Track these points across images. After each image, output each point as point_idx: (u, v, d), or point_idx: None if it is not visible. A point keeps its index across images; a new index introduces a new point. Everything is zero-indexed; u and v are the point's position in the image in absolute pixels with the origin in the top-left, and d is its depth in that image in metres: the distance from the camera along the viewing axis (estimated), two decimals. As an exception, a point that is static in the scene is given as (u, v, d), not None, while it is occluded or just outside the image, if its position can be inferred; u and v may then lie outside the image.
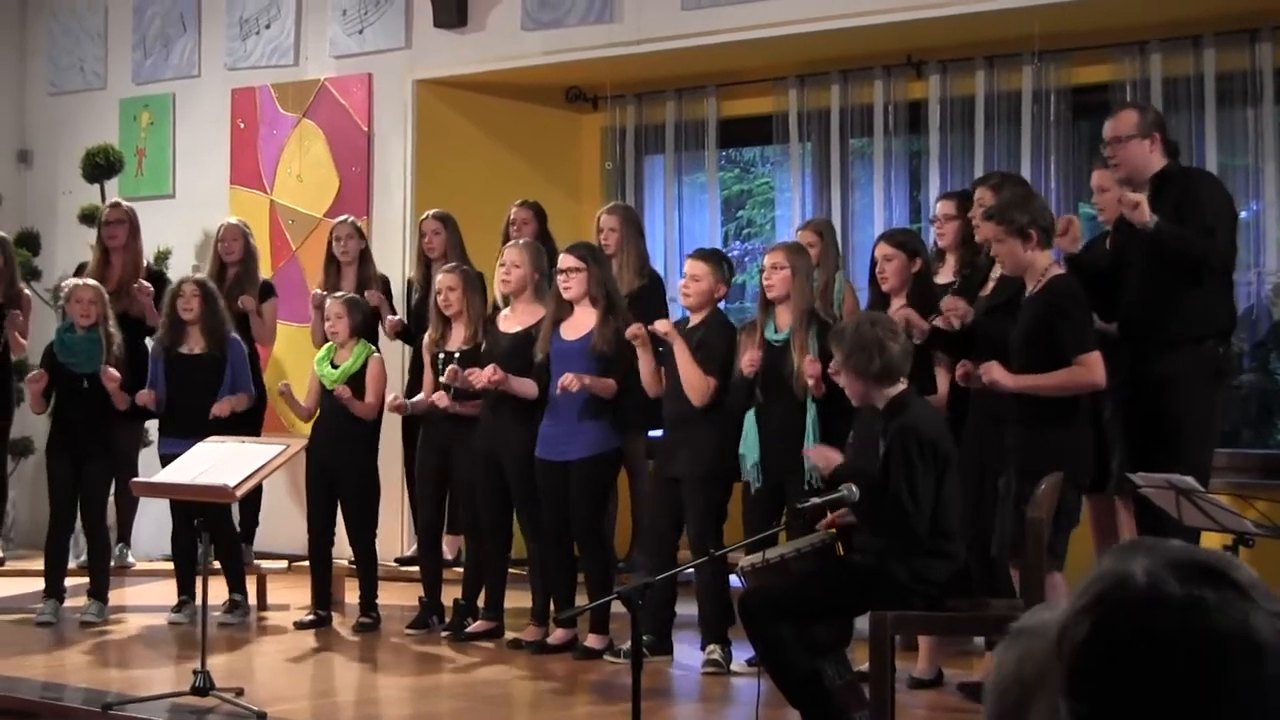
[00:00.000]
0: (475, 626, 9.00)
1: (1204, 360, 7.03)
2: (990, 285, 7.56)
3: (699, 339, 8.17)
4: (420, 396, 9.19)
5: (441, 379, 8.90)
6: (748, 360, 7.98)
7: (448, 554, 9.90)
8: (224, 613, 9.44)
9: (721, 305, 8.54)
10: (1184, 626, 1.73)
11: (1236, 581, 1.77)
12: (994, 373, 6.79)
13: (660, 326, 8.16)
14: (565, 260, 8.55)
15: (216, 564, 9.36)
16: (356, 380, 9.34)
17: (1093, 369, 6.68)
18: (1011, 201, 7.05)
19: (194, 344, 9.56)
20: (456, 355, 8.98)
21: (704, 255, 8.47)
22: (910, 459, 6.18)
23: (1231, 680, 1.73)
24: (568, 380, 8.25)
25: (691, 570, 7.91)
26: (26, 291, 10.74)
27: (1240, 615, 1.74)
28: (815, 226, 8.94)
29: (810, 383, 7.75)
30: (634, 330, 8.21)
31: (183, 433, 8.86)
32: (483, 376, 8.54)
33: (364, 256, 10.40)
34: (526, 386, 8.61)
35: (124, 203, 10.86)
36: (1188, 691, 1.73)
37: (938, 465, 6.24)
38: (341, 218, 10.63)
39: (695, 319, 8.30)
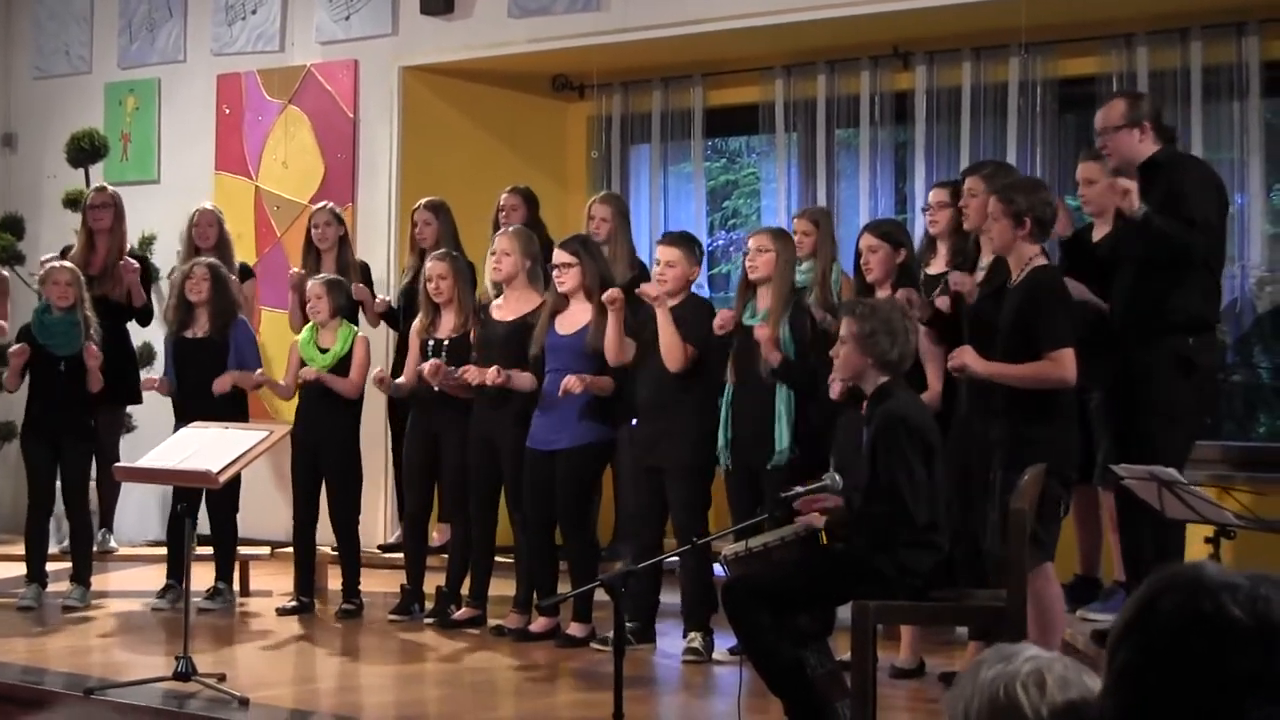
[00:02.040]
0: (460, 614, 9.00)
1: (1173, 352, 7.04)
2: (980, 273, 7.56)
3: (675, 317, 8.17)
4: (402, 380, 9.18)
5: (424, 372, 8.87)
6: (718, 320, 8.00)
7: (437, 541, 9.90)
8: (205, 599, 9.43)
9: (703, 290, 8.54)
10: (1247, 609, 1.79)
11: None
12: (965, 357, 6.76)
13: (650, 290, 8.15)
14: (559, 255, 8.53)
15: (199, 550, 9.36)
16: (344, 363, 9.33)
17: (1063, 365, 6.64)
18: (1019, 184, 7.05)
19: (199, 328, 9.54)
20: (446, 343, 8.98)
21: (674, 240, 8.48)
22: (899, 445, 6.17)
23: (1277, 670, 1.77)
24: (570, 383, 8.24)
25: (676, 558, 7.92)
26: (4, 273, 10.70)
27: None
28: (811, 215, 8.93)
29: (764, 348, 7.78)
30: (611, 294, 8.20)
31: (193, 417, 8.85)
32: (486, 376, 8.52)
33: (342, 242, 10.37)
34: (525, 381, 8.60)
35: (110, 187, 10.83)
36: (1233, 668, 1.77)
37: (925, 453, 6.24)
38: (320, 204, 10.61)
39: (672, 303, 8.30)
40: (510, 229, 9.11)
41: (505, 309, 8.88)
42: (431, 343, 9.06)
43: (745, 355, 7.99)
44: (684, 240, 8.49)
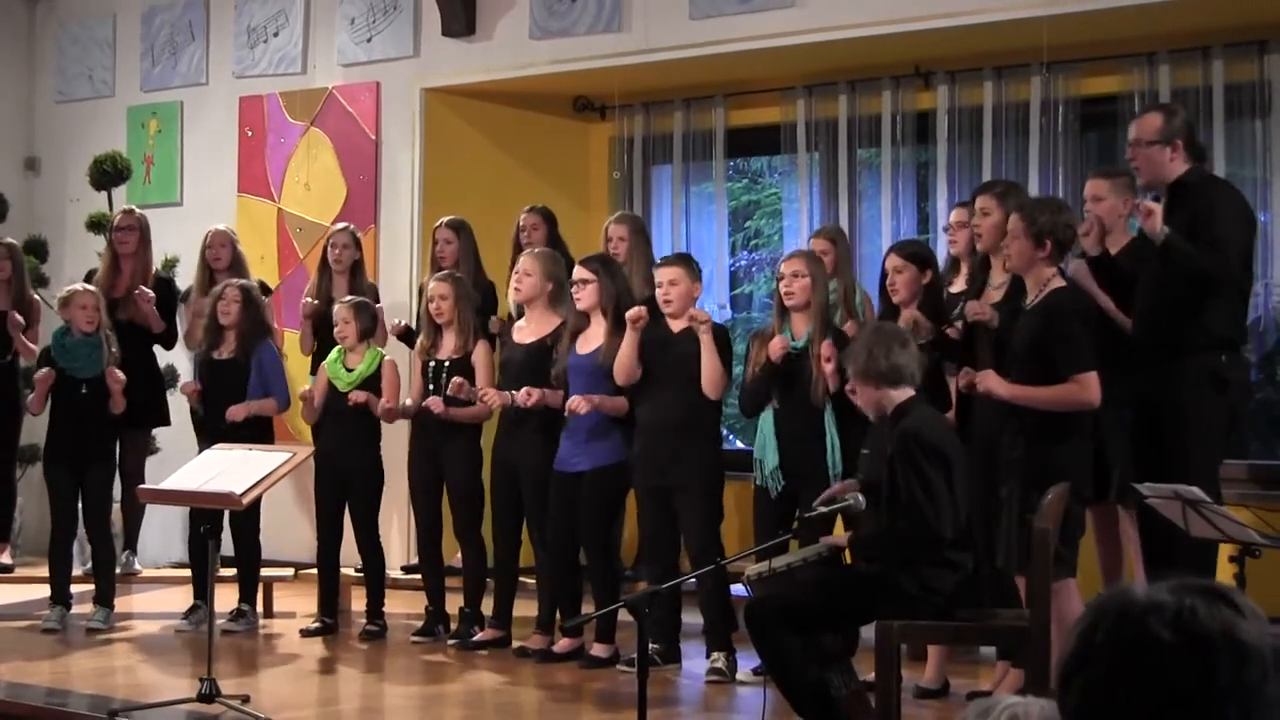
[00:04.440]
0: (482, 635, 8.99)
1: (1205, 371, 7.03)
2: (992, 291, 7.55)
3: (694, 349, 8.16)
4: (409, 401, 9.19)
5: (448, 392, 8.87)
6: (778, 344, 7.96)
7: (460, 562, 9.89)
8: (229, 620, 9.44)
9: (725, 311, 8.54)
10: (1175, 626, 1.79)
11: (1231, 599, 1.83)
12: (989, 381, 6.78)
13: (699, 315, 8.12)
14: (578, 272, 8.55)
15: (222, 571, 9.38)
16: (371, 384, 9.33)
17: (1088, 388, 6.66)
18: (1042, 204, 7.06)
19: (226, 349, 9.57)
20: (447, 364, 8.98)
21: (673, 260, 8.50)
22: (916, 462, 6.18)
23: (1218, 681, 1.76)
24: (575, 403, 8.26)
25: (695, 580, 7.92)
26: (36, 298, 10.74)
27: (1228, 620, 1.78)
28: (828, 234, 8.92)
29: (828, 369, 7.75)
30: (635, 312, 8.19)
31: (216, 437, 8.87)
32: (514, 399, 8.54)
33: (356, 267, 10.35)
34: (557, 399, 8.60)
35: (137, 210, 10.86)
36: (1173, 688, 1.77)
37: (944, 468, 6.24)
38: (341, 225, 10.61)
39: (678, 325, 8.29)
40: (536, 250, 9.13)
41: (525, 331, 8.89)
42: (433, 364, 9.07)
43: (788, 378, 7.96)
44: (683, 260, 8.52)
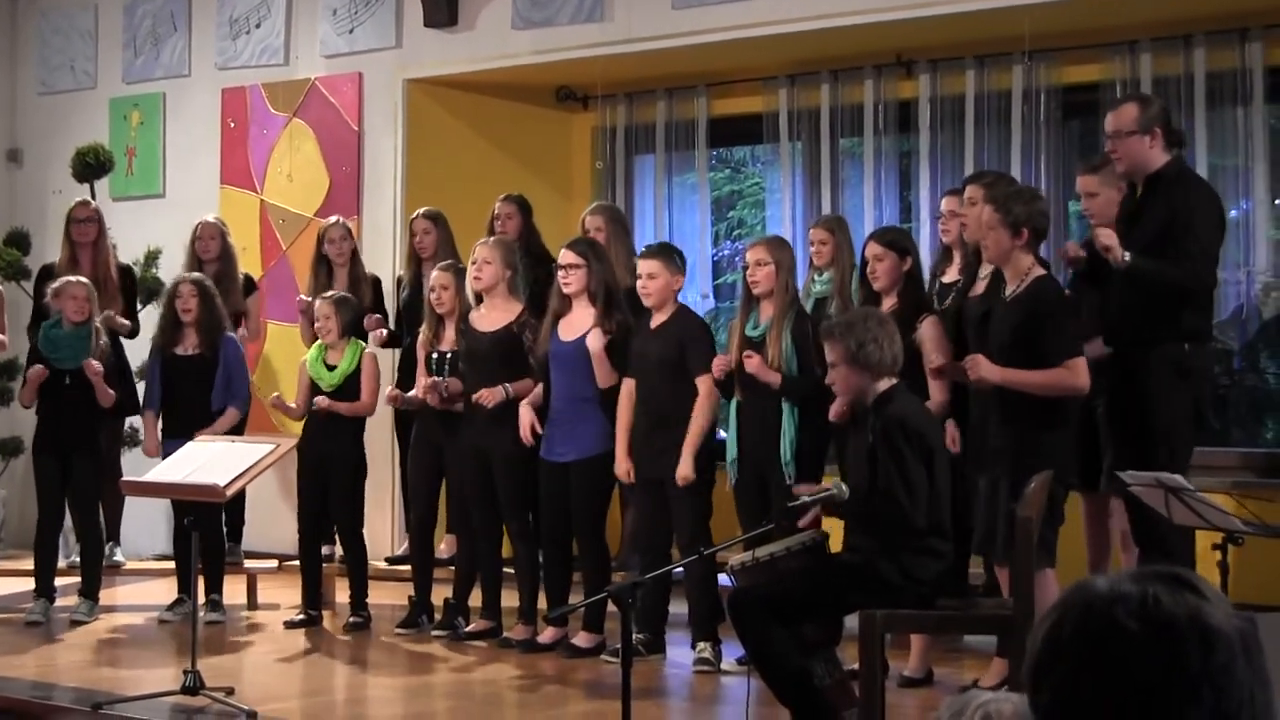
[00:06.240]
0: (473, 626, 8.98)
1: (1169, 361, 7.03)
2: (981, 281, 7.54)
3: (678, 341, 8.17)
4: (414, 393, 9.18)
5: (419, 391, 8.93)
6: (718, 364, 8.01)
7: (444, 553, 9.89)
8: (206, 612, 9.41)
9: (709, 301, 8.53)
10: (1140, 615, 1.80)
11: (1193, 585, 1.84)
12: (981, 368, 6.77)
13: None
14: (565, 256, 8.53)
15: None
16: (353, 380, 9.32)
17: (1078, 373, 6.68)
18: (1016, 194, 7.06)
19: (189, 343, 9.54)
20: (449, 355, 8.97)
21: (653, 251, 8.49)
22: (897, 448, 6.18)
23: (1188, 666, 1.77)
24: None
25: (681, 569, 7.93)
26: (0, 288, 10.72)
27: (1193, 605, 1.79)
28: (827, 224, 8.86)
29: (759, 375, 7.80)
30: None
31: (181, 432, 8.87)
32: (491, 397, 8.56)
33: (354, 256, 10.38)
34: (526, 388, 8.61)
35: (93, 202, 10.82)
36: (1143, 678, 1.77)
37: (924, 455, 6.24)
38: (332, 219, 10.59)
39: (660, 317, 8.29)
40: (490, 239, 9.13)
41: (486, 319, 8.87)
42: (435, 355, 9.05)
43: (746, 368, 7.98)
44: (663, 251, 8.49)
